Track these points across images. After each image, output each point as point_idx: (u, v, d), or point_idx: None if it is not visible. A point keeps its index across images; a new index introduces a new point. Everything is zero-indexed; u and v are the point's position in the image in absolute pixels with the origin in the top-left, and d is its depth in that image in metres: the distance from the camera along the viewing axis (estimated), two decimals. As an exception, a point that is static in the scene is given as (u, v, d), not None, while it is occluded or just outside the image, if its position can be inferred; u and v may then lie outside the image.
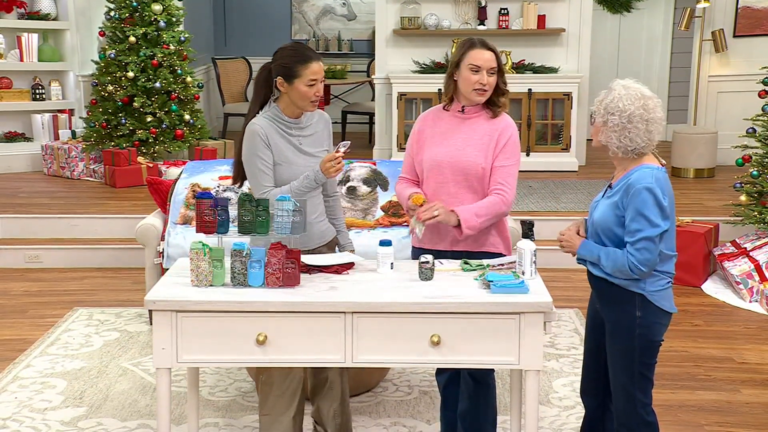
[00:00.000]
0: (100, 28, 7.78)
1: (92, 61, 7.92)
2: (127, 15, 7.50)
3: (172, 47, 7.57)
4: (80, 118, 8.21)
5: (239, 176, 3.22)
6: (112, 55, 7.48)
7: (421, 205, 3.04)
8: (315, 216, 3.18)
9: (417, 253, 3.19)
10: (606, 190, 2.87)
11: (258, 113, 3.16)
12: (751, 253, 5.36)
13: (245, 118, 3.19)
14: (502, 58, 8.39)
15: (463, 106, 3.16)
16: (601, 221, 2.78)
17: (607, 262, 2.74)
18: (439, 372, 3.32)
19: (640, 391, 2.81)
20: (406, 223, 4.51)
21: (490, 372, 3.17)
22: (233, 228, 2.93)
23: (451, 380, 3.26)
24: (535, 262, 2.91)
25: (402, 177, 3.28)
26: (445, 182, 3.10)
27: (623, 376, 2.81)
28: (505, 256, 3.17)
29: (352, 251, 3.33)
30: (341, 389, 3.29)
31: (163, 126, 7.56)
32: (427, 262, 2.90)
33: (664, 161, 2.83)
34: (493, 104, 3.15)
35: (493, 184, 3.09)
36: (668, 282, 2.81)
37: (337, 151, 3.04)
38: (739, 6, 8.05)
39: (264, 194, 3.05)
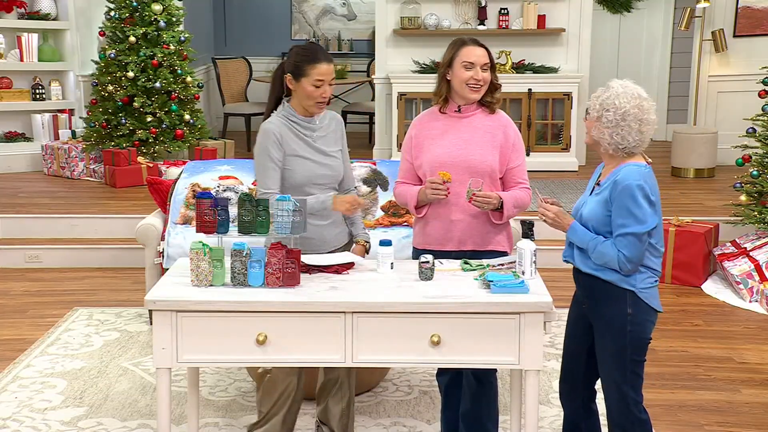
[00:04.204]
0: (100, 28, 7.78)
1: (92, 61, 7.92)
2: (127, 15, 7.50)
3: (172, 47, 7.57)
4: (80, 118, 8.21)
5: None
6: (112, 55, 7.48)
7: (445, 182, 3.05)
8: (330, 221, 3.19)
9: (418, 253, 3.20)
10: (593, 188, 2.89)
11: (273, 112, 3.20)
12: (751, 253, 5.36)
13: (264, 115, 3.24)
14: (502, 58, 8.32)
15: (459, 106, 3.17)
16: (591, 218, 2.81)
17: (595, 252, 2.76)
18: (440, 373, 3.31)
19: (632, 389, 2.83)
20: (406, 223, 4.51)
21: (492, 371, 3.17)
22: (233, 228, 2.93)
23: (452, 381, 3.26)
24: (535, 261, 2.91)
25: (400, 182, 3.27)
26: (453, 182, 3.08)
27: (615, 375, 2.82)
28: (508, 254, 3.18)
29: (366, 243, 3.31)
30: (349, 390, 3.31)
31: (163, 126, 7.56)
32: (427, 262, 2.90)
33: (650, 160, 2.86)
34: (487, 101, 3.17)
35: (512, 183, 3.17)
36: (656, 280, 2.83)
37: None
38: (739, 6, 8.05)
39: (265, 194, 3.07)
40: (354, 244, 3.33)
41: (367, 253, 3.31)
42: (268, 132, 3.13)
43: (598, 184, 2.87)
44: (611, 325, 2.80)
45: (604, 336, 2.83)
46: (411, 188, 3.19)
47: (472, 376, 3.15)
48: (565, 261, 2.95)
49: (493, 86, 3.16)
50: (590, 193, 2.90)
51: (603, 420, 3.09)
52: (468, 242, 3.14)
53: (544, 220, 2.90)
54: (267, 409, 3.18)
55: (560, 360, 3.08)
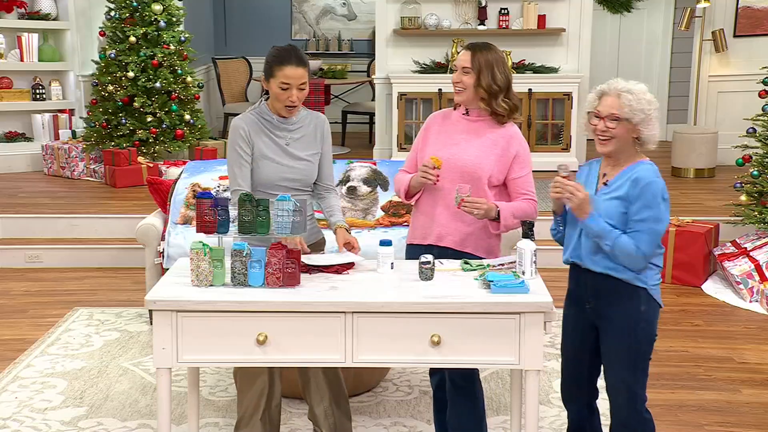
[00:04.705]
0: (100, 28, 7.78)
1: (92, 61, 7.92)
2: (127, 15, 7.50)
3: (172, 47, 7.58)
4: (80, 118, 8.21)
5: None
6: (113, 55, 7.48)
7: (435, 168, 3.05)
8: None
9: (409, 249, 3.26)
10: (597, 187, 2.86)
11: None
12: (751, 253, 5.36)
13: None
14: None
15: (467, 109, 3.19)
16: (606, 217, 2.77)
17: (614, 243, 2.73)
18: (432, 373, 3.32)
19: (641, 388, 2.83)
20: (406, 223, 4.51)
21: (473, 378, 3.15)
22: (233, 228, 2.93)
23: (441, 382, 3.25)
24: (535, 262, 2.90)
25: (402, 170, 3.31)
26: (441, 179, 3.10)
27: (626, 374, 2.81)
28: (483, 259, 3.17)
29: (347, 228, 3.24)
30: (329, 388, 3.27)
31: (164, 126, 7.56)
32: (428, 262, 2.90)
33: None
34: (494, 111, 3.16)
35: (517, 194, 3.15)
36: (660, 277, 2.87)
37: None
38: (739, 6, 8.06)
39: (236, 192, 3.11)
40: (335, 233, 3.23)
41: (348, 233, 3.24)
42: (236, 128, 3.14)
43: (605, 184, 2.85)
44: (624, 323, 2.79)
45: (615, 335, 2.81)
46: (406, 175, 3.25)
47: (450, 383, 3.14)
48: (569, 262, 2.92)
49: (486, 92, 3.11)
50: (595, 193, 2.87)
51: (602, 420, 3.09)
52: (446, 239, 3.16)
53: (565, 198, 2.79)
54: (244, 409, 3.17)
55: (560, 360, 3.07)
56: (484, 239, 3.18)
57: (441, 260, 3.08)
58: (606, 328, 2.85)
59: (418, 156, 3.25)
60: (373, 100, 8.89)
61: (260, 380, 3.14)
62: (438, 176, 3.06)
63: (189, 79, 7.68)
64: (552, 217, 2.97)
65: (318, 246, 3.31)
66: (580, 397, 3.02)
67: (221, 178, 4.72)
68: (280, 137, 3.15)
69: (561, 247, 2.99)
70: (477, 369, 3.17)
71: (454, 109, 3.26)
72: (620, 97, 2.77)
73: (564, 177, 2.80)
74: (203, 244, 2.83)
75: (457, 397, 3.15)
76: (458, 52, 3.23)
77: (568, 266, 2.99)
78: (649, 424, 2.86)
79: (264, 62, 3.13)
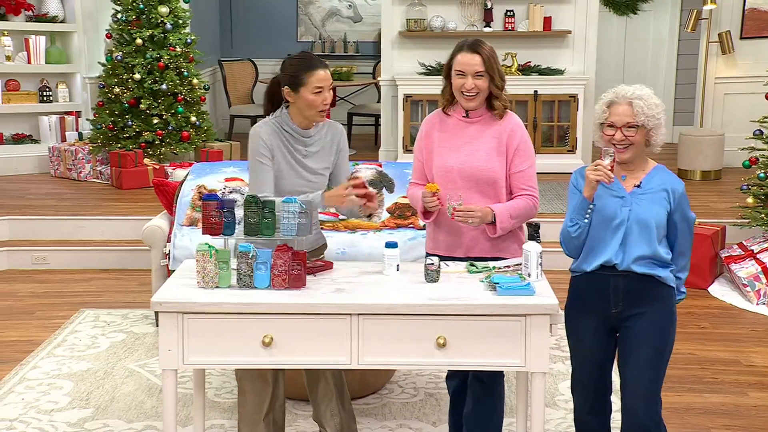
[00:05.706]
0: (107, 30, 7.80)
1: (99, 63, 7.94)
2: (133, 17, 7.52)
3: (178, 49, 7.59)
4: (87, 120, 8.23)
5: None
6: (119, 57, 7.50)
7: (435, 194, 3.02)
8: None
9: None
10: (632, 188, 2.84)
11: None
12: (758, 256, 5.34)
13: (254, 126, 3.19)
14: (508, 60, 8.26)
15: (466, 111, 3.11)
16: (650, 219, 2.78)
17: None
18: (450, 376, 3.29)
19: (660, 389, 2.83)
20: (411, 225, 4.51)
21: (498, 378, 3.13)
22: (239, 229, 2.93)
23: (461, 386, 3.22)
24: (541, 264, 2.90)
25: (413, 183, 3.24)
26: (455, 188, 3.05)
27: (653, 375, 2.81)
28: None
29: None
30: (335, 388, 3.27)
31: (170, 128, 7.57)
32: (433, 264, 2.90)
33: None
34: (492, 107, 3.08)
35: (516, 189, 3.08)
36: None
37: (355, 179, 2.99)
38: (745, 8, 8.04)
39: (264, 198, 3.05)
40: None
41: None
42: (257, 136, 3.09)
43: (638, 186, 2.82)
44: (662, 323, 2.80)
45: (651, 336, 2.80)
46: (417, 191, 3.15)
47: (475, 379, 3.12)
48: (607, 265, 2.83)
49: (493, 94, 3.05)
50: (630, 194, 2.83)
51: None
52: (476, 249, 3.11)
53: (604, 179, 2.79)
54: (247, 410, 3.15)
55: (566, 362, 3.07)
56: (513, 239, 3.14)
57: (447, 262, 3.07)
58: (637, 329, 2.81)
59: (425, 166, 3.18)
60: (378, 101, 8.89)
61: (263, 381, 3.14)
62: (441, 200, 3.03)
63: (195, 81, 7.69)
64: (565, 217, 2.94)
65: (319, 251, 3.29)
66: (605, 408, 2.98)
67: (227, 180, 4.72)
68: (298, 150, 3.12)
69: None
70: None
71: (443, 109, 3.17)
72: (632, 104, 2.77)
73: (608, 164, 2.75)
74: (209, 246, 2.84)
75: (483, 394, 3.11)
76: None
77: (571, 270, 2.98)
78: (663, 424, 2.85)
79: (285, 75, 3.06)
